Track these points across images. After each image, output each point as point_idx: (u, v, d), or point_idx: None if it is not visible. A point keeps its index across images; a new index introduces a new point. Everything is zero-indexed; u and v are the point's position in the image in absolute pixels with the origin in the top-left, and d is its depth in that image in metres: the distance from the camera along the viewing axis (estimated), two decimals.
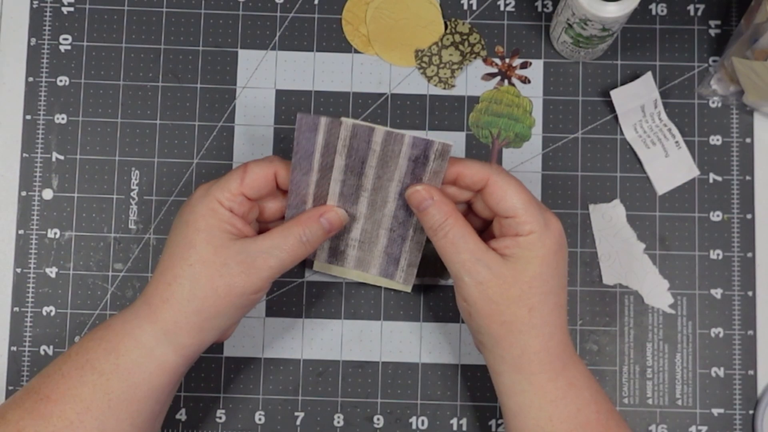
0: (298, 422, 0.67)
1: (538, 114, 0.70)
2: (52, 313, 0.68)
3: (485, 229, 0.61)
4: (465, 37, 0.70)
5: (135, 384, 0.54)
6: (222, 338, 0.60)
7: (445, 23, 0.70)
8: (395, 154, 0.57)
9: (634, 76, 0.69)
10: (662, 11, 0.71)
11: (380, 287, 0.68)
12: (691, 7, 0.71)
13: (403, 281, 0.65)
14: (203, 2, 0.71)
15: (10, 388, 0.67)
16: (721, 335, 0.68)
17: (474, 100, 0.70)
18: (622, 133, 0.69)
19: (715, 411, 0.67)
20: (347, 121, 0.56)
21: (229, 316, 0.56)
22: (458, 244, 0.56)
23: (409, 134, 0.56)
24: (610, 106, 0.69)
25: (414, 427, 0.67)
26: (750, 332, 0.68)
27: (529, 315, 0.55)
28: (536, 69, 0.70)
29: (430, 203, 0.57)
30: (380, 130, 0.56)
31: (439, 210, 0.57)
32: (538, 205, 0.57)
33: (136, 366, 0.55)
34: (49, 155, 0.69)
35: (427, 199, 0.57)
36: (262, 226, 0.61)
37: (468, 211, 0.61)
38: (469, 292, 0.56)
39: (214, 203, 0.55)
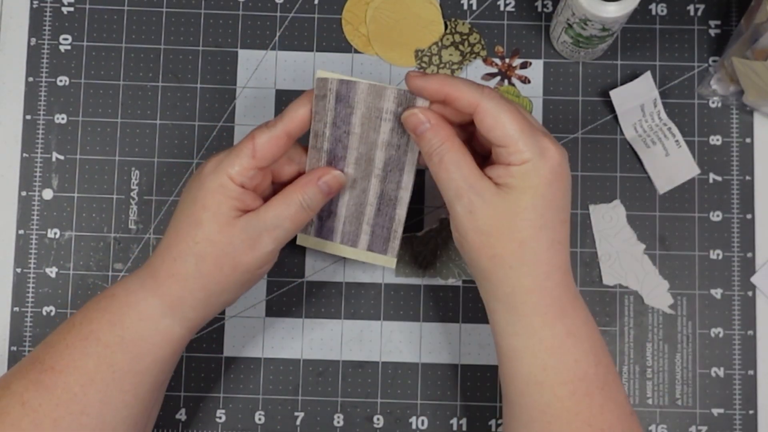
0: (298, 422, 0.67)
1: (538, 114, 0.70)
2: (52, 313, 0.68)
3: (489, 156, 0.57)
4: (465, 37, 0.70)
5: (139, 355, 0.55)
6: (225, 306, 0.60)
7: (445, 23, 0.70)
8: (378, 111, 0.56)
9: (634, 76, 0.69)
10: (662, 11, 0.71)
11: (380, 287, 0.68)
12: (691, 7, 0.71)
13: (390, 254, 0.62)
14: (203, 2, 0.71)
15: None
16: (721, 335, 0.68)
17: None
18: (622, 133, 0.69)
19: (715, 411, 0.67)
20: (332, 77, 0.56)
21: (234, 291, 0.57)
22: (451, 170, 0.53)
23: (392, 87, 0.56)
24: (610, 106, 0.69)
25: (414, 427, 0.67)
26: (750, 332, 0.68)
27: (520, 249, 0.52)
28: (536, 69, 0.70)
29: (426, 127, 0.54)
30: (363, 84, 0.56)
31: (435, 134, 0.54)
32: (534, 132, 0.53)
33: (140, 338, 0.55)
34: (49, 155, 0.69)
35: (424, 123, 0.54)
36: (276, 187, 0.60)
37: (472, 137, 0.58)
38: (460, 221, 0.53)
39: (224, 179, 0.54)
